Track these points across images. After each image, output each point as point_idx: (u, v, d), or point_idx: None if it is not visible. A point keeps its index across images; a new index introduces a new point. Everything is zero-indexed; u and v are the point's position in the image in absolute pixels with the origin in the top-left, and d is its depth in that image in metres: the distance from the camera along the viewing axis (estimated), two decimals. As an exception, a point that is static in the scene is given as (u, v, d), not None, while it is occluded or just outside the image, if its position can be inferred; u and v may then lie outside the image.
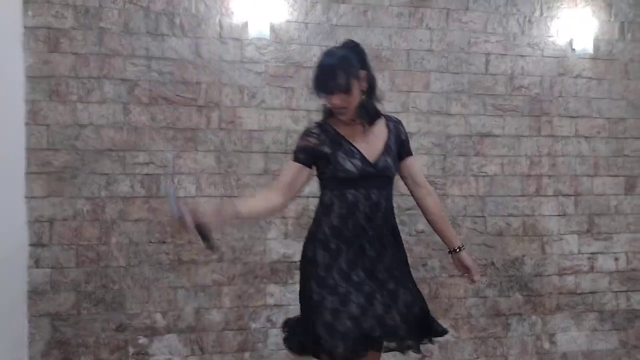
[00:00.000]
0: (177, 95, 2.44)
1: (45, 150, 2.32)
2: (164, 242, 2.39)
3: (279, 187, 1.69)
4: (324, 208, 1.71)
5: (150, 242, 2.38)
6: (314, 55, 2.57)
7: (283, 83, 2.55)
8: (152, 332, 2.35)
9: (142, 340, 2.35)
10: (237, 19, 2.50)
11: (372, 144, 1.70)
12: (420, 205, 1.81)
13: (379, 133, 1.72)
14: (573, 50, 2.84)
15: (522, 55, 2.79)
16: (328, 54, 1.68)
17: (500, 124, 2.75)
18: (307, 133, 1.72)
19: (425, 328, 1.77)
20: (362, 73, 1.65)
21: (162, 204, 2.39)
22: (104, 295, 2.32)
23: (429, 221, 1.84)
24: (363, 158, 1.67)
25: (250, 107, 2.51)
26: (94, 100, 2.37)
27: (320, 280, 1.63)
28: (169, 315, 2.37)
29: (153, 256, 2.37)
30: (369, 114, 1.69)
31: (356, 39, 2.60)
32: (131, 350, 2.33)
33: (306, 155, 1.69)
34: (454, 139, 2.69)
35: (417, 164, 1.83)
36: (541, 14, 2.81)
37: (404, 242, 1.80)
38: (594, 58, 2.86)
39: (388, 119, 1.77)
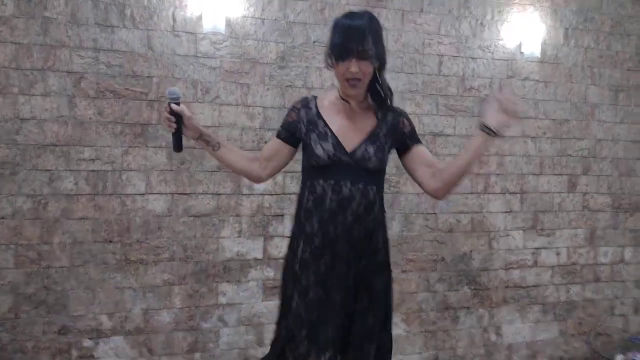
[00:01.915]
0: (126, 89, 2.19)
1: (-19, 145, 2.03)
2: (110, 242, 2.14)
3: (260, 159, 1.48)
4: (297, 202, 1.45)
5: (96, 241, 2.13)
6: (270, 51, 2.38)
7: (238, 79, 2.34)
8: (98, 334, 2.12)
9: (87, 343, 2.10)
10: (191, 12, 2.26)
11: (353, 129, 1.39)
12: (440, 182, 1.41)
13: (367, 120, 1.41)
14: (522, 53, 2.74)
15: (473, 58, 2.67)
16: (354, 15, 1.37)
17: (452, 123, 2.63)
18: (291, 107, 1.48)
19: None
20: (382, 46, 1.37)
21: (108, 202, 2.15)
22: (46, 297, 2.07)
23: (451, 173, 1.40)
24: (337, 144, 1.37)
25: (204, 102, 2.28)
26: (37, 93, 2.09)
27: (283, 294, 1.43)
28: (116, 317, 2.14)
29: (98, 256, 2.13)
30: (383, 93, 1.38)
31: (312, 37, 2.46)
32: (75, 353, 2.09)
33: (286, 131, 1.45)
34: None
35: (425, 149, 1.46)
36: (492, 18, 2.70)
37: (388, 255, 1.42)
38: (541, 62, 2.78)
39: (388, 108, 1.45)
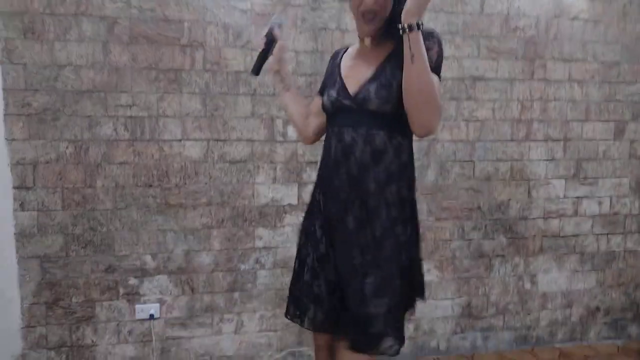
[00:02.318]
0: (159, 33, 2.14)
1: (23, 91, 2.05)
2: (150, 186, 2.17)
3: (308, 117, 1.49)
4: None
5: (137, 185, 2.16)
6: (303, -8, 2.26)
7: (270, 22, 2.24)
8: (142, 273, 2.19)
9: (132, 281, 2.18)
10: (221, -49, 2.16)
11: (362, 70, 1.27)
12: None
13: (379, 54, 1.27)
14: (572, -11, 2.51)
15: (519, -5, 2.47)
16: None
17: (494, 67, 2.46)
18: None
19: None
20: None
21: (146, 147, 2.16)
22: (92, 237, 2.14)
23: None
24: (342, 87, 1.29)
25: (235, 47, 2.21)
26: (72, 39, 2.07)
27: (300, 231, 1.45)
28: (159, 257, 2.20)
29: (140, 199, 2.16)
30: (401, 29, 1.16)
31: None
32: (122, 290, 2.18)
33: (322, 86, 1.44)
34: (446, 82, 2.41)
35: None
36: (542, -51, 2.46)
37: (401, 210, 1.25)
38: (593, -1, 2.54)
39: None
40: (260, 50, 1.43)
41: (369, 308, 1.22)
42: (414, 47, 1.12)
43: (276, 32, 1.39)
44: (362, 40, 1.35)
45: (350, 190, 1.26)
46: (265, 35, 1.41)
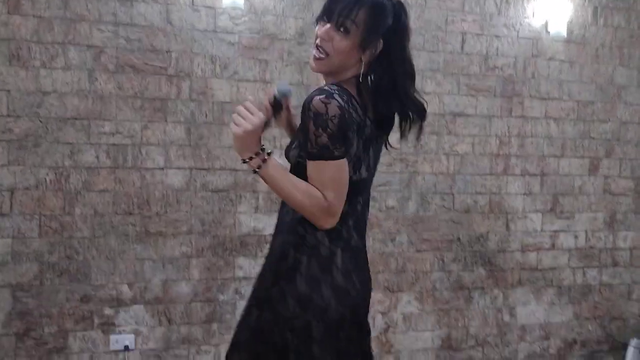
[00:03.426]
0: (145, 63, 2.10)
1: (6, 117, 1.98)
2: (130, 214, 2.09)
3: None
4: None
5: (116, 213, 2.08)
6: (290, 27, 2.25)
7: (257, 55, 2.23)
8: (118, 303, 2.09)
9: (107, 311, 2.08)
10: (210, -15, 2.15)
11: None
12: None
13: None
14: (547, 32, 2.55)
15: (497, 36, 2.49)
16: None
17: (473, 103, 2.47)
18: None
19: None
20: (376, 39, 1.10)
21: (128, 175, 2.09)
22: (68, 266, 2.04)
23: None
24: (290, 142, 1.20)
25: (222, 78, 2.19)
26: (58, 67, 2.02)
27: None
28: (136, 286, 2.11)
29: (119, 227, 2.08)
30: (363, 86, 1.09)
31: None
32: (97, 320, 2.07)
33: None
34: (428, 117, 2.40)
35: (309, 168, 1.08)
36: (519, -6, 2.50)
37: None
38: (567, 41, 2.58)
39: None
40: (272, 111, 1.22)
41: None
42: (267, 182, 1.09)
43: (284, 102, 1.21)
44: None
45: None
46: (272, 102, 1.20)
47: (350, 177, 1.09)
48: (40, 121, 2.01)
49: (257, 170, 1.07)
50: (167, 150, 2.13)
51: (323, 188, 1.07)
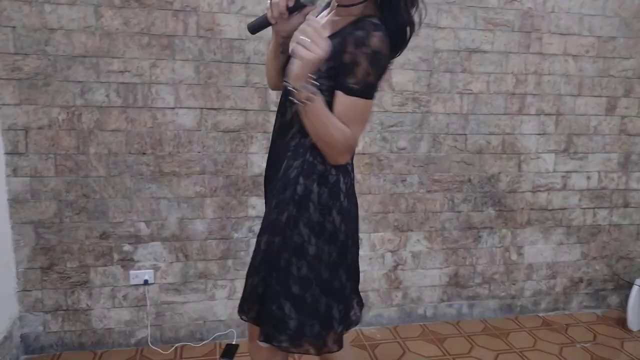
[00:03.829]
0: (151, -2, 2.02)
1: (14, 55, 1.93)
2: (143, 154, 2.08)
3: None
4: None
5: (130, 152, 2.07)
6: (298, -43, 2.12)
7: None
8: (137, 240, 2.13)
9: (126, 247, 2.13)
10: None
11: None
12: None
13: (338, 22, 1.11)
14: (572, -39, 2.38)
15: (518, -34, 2.34)
16: None
17: (490, 39, 2.35)
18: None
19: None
20: None
21: (139, 115, 2.06)
22: (86, 204, 2.06)
23: None
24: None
25: (230, 13, 2.09)
26: (62, 2, 1.95)
27: None
28: (153, 224, 2.14)
29: (133, 167, 2.08)
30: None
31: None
32: (116, 256, 2.12)
33: None
34: (441, 54, 2.31)
35: (339, 105, 1.06)
36: None
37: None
38: (593, -29, 2.41)
39: (361, 22, 1.07)
40: (268, 8, 1.15)
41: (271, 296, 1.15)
42: (302, 118, 1.05)
43: (305, 10, 1.12)
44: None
45: (280, 166, 1.19)
46: (292, 4, 1.11)
47: None
48: (49, 59, 1.96)
49: (304, 101, 1.01)
50: (177, 90, 2.08)
51: (350, 124, 1.06)
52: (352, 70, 1.02)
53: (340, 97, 1.06)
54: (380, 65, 1.03)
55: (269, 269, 1.15)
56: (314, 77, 1.03)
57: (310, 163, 1.13)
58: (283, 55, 1.24)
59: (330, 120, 1.05)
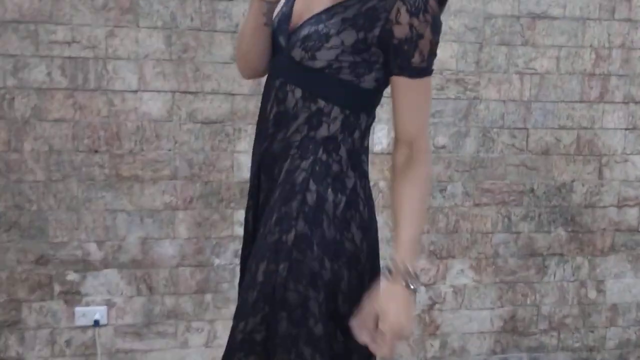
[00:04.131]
0: (107, -55, 1.92)
1: None
2: (95, 151, 2.03)
3: None
4: None
5: (78, 150, 2.03)
6: None
7: None
8: (85, 266, 2.07)
9: (71, 276, 2.06)
10: None
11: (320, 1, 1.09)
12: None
13: None
14: None
15: None
16: None
17: (561, 1, 2.25)
18: None
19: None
20: None
21: (91, 100, 2.00)
22: (18, 218, 2.00)
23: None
24: (287, 16, 1.11)
25: (212, -34, 1.98)
26: (-9, -49, 1.87)
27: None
28: (107, 245, 2.08)
29: (82, 169, 2.03)
30: None
31: None
32: (57, 288, 2.05)
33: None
34: (495, 20, 2.22)
35: (409, 93, 1.06)
36: None
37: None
38: None
39: None
40: None
41: None
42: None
43: None
44: None
45: (275, 161, 1.14)
46: None
47: (381, 90, 1.10)
48: (-28, 26, 1.90)
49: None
50: (141, 67, 2.02)
51: (422, 112, 1.10)
52: (414, 46, 1.01)
53: (405, 84, 1.05)
54: (440, 29, 1.05)
55: (273, 308, 1.09)
56: (337, 53, 1.02)
57: (324, 163, 1.08)
58: (267, 27, 1.16)
59: (420, 217, 1.13)
